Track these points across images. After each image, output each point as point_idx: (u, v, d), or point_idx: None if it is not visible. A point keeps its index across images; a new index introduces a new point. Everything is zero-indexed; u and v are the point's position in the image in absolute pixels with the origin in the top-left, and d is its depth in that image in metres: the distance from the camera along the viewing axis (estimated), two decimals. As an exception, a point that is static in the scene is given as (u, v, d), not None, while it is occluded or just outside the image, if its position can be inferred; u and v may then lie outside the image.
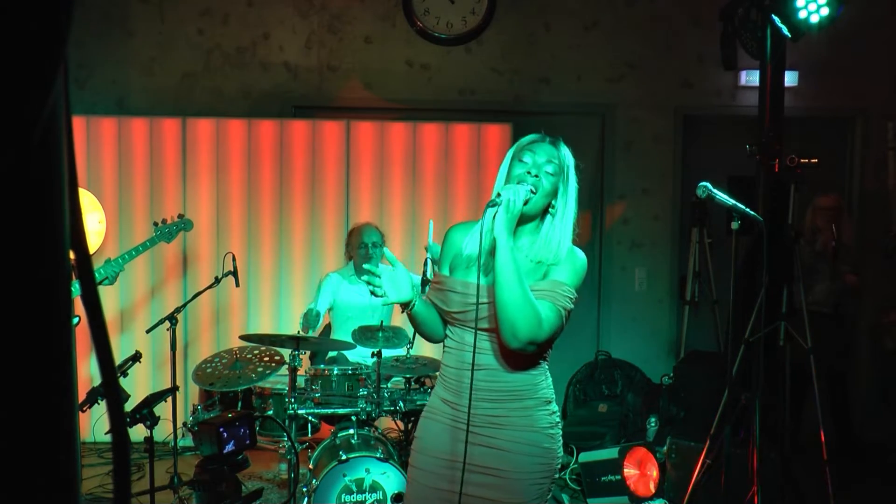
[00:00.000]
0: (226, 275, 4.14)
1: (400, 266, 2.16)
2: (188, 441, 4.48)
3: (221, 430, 3.27)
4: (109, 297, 5.01)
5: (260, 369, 3.85)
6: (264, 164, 5.18)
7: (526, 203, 2.02)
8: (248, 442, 3.38)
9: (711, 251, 5.46)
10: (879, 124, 5.71)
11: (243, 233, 5.20)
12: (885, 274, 5.52)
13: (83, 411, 3.49)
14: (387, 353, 3.92)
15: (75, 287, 0.59)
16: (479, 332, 2.03)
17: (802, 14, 4.31)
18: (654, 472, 4.18)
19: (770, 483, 3.76)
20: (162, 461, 4.45)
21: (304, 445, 4.14)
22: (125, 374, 3.75)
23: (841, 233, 4.88)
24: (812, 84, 5.65)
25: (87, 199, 4.85)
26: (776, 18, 4.37)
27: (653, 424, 4.58)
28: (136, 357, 3.67)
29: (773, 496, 3.81)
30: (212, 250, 5.15)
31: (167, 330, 3.97)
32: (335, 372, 3.82)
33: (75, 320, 0.79)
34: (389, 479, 3.40)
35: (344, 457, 3.37)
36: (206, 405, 3.83)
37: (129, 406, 3.81)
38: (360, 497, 3.39)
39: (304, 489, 3.47)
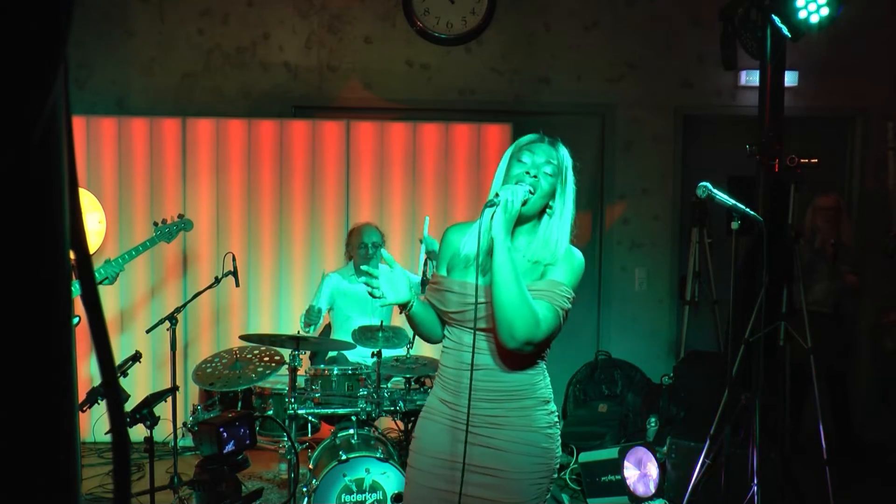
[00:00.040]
0: (226, 275, 4.14)
1: (397, 267, 2.16)
2: (188, 441, 4.48)
3: (221, 430, 3.27)
4: (109, 297, 5.01)
5: (260, 369, 3.85)
6: (264, 164, 5.18)
7: (524, 204, 2.02)
8: (248, 442, 3.38)
9: (711, 251, 5.46)
10: (879, 124, 5.71)
11: (243, 233, 5.20)
12: (885, 274, 5.52)
13: (83, 411, 3.49)
14: (387, 353, 3.92)
15: (75, 287, 0.59)
16: (477, 332, 2.03)
17: (802, 14, 4.31)
18: (654, 472, 4.18)
19: (770, 483, 3.76)
20: (162, 461, 4.45)
21: (304, 445, 4.14)
22: (125, 374, 3.75)
23: (841, 233, 4.88)
24: (812, 84, 5.65)
25: (87, 199, 4.85)
26: (776, 18, 4.37)
27: (653, 424, 4.58)
28: (136, 357, 3.67)
29: (773, 496, 3.81)
30: (212, 250, 5.15)
31: (167, 330, 3.97)
32: (335, 372, 3.82)
33: (75, 320, 0.79)
34: (389, 479, 3.40)
35: (344, 457, 3.37)
36: (206, 405, 3.83)
37: (129, 406, 3.81)
38: (360, 497, 3.39)
39: (304, 489, 3.47)
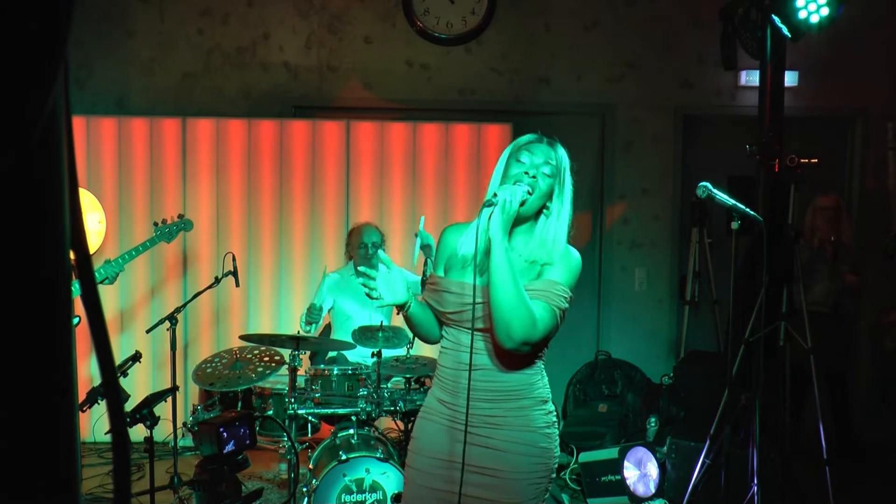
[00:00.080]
0: (226, 275, 4.14)
1: (394, 268, 2.16)
2: (188, 441, 4.47)
3: (221, 430, 3.27)
4: (109, 297, 5.01)
5: (260, 369, 3.85)
6: (264, 164, 5.18)
7: (522, 204, 2.02)
8: (248, 442, 3.38)
9: (711, 251, 5.45)
10: (879, 124, 5.71)
11: (243, 233, 5.20)
12: (885, 274, 5.52)
13: (83, 411, 3.49)
14: (387, 353, 3.92)
15: (75, 287, 0.59)
16: (474, 332, 2.03)
17: (802, 14, 4.31)
18: (654, 472, 4.18)
19: (770, 483, 3.76)
20: (162, 461, 4.45)
21: (304, 445, 4.14)
22: (125, 374, 3.75)
23: (841, 233, 4.88)
24: (812, 84, 5.65)
25: (87, 199, 4.85)
26: (776, 18, 4.37)
27: (653, 424, 4.58)
28: (136, 357, 3.67)
29: (773, 496, 3.81)
30: (212, 250, 5.15)
31: (167, 330, 3.97)
32: (335, 372, 3.82)
33: (75, 320, 0.79)
34: (389, 479, 3.40)
35: (344, 457, 3.37)
36: (206, 405, 3.83)
37: (129, 406, 3.81)
38: (360, 497, 3.39)
39: (304, 489, 3.47)
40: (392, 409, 3.70)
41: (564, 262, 2.07)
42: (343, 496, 3.38)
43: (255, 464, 4.06)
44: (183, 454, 4.68)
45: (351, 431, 3.61)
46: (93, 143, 5.09)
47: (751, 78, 5.46)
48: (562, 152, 2.13)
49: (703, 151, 5.78)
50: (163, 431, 4.63)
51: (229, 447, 3.29)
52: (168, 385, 3.93)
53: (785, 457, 4.05)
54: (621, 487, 4.08)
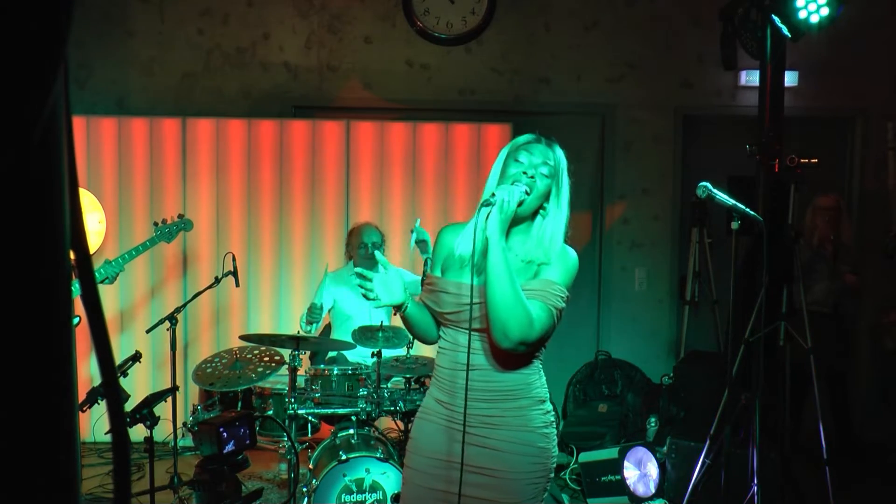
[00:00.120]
0: (226, 275, 4.14)
1: (391, 268, 2.16)
2: (188, 441, 4.47)
3: (221, 430, 3.27)
4: (109, 297, 5.01)
5: (260, 369, 3.85)
6: (264, 164, 5.18)
7: (520, 204, 2.02)
8: (248, 442, 3.38)
9: (711, 251, 5.46)
10: (879, 124, 5.71)
11: (243, 233, 5.20)
12: (885, 274, 5.52)
13: (83, 411, 3.49)
14: (387, 353, 3.92)
15: (75, 287, 0.59)
16: (472, 332, 2.02)
17: (802, 14, 4.32)
18: (654, 472, 4.18)
19: (770, 483, 3.76)
20: (162, 461, 4.45)
21: (304, 445, 4.14)
22: (125, 374, 3.75)
23: (841, 233, 4.88)
24: (812, 84, 5.65)
25: (87, 199, 4.85)
26: (776, 18, 4.37)
27: (653, 424, 4.58)
28: (136, 357, 3.67)
29: (773, 496, 3.81)
30: (212, 250, 5.15)
31: (167, 330, 3.97)
32: (335, 372, 3.82)
33: (75, 320, 0.79)
34: (389, 479, 3.40)
35: (344, 457, 3.37)
36: (206, 405, 3.83)
37: (129, 406, 3.81)
38: (360, 497, 3.39)
39: (304, 489, 3.47)
40: (392, 409, 3.70)
41: (561, 262, 2.07)
42: (343, 496, 3.38)
43: (255, 464, 4.06)
44: (183, 454, 4.68)
45: (351, 431, 3.61)
46: (93, 143, 5.09)
47: (751, 78, 5.46)
48: (559, 153, 2.13)
49: (703, 151, 5.78)
50: (163, 431, 4.63)
51: (229, 447, 3.29)
52: (168, 385, 3.93)
53: (785, 457, 4.05)
54: (621, 487, 4.08)
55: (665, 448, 4.25)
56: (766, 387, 3.80)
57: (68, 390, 0.58)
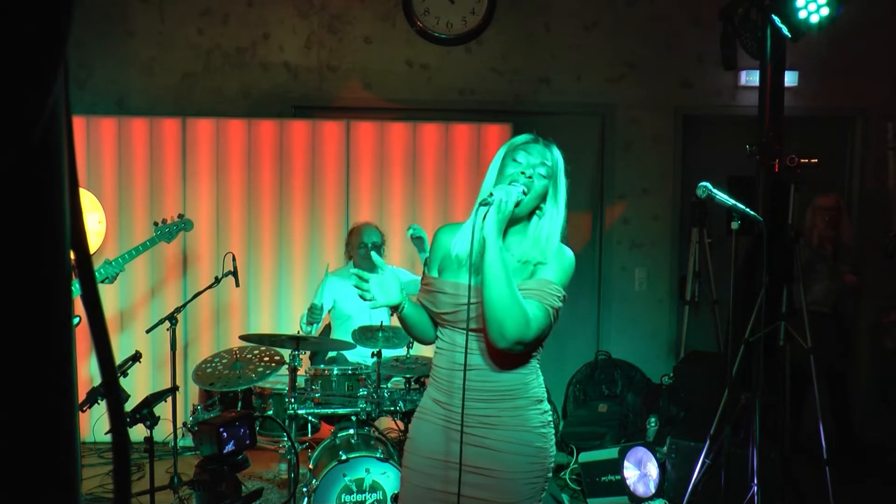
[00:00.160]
0: (226, 275, 4.14)
1: (387, 268, 2.16)
2: (188, 441, 4.47)
3: (221, 430, 3.27)
4: (109, 297, 5.01)
5: (260, 369, 3.85)
6: (264, 164, 5.18)
7: (517, 205, 2.02)
8: (248, 442, 3.38)
9: (711, 251, 5.45)
10: (879, 124, 5.71)
11: (243, 233, 5.20)
12: (885, 274, 5.52)
13: (83, 411, 3.49)
14: (387, 353, 3.92)
15: (75, 287, 0.59)
16: (469, 332, 2.02)
17: (802, 14, 4.31)
18: (654, 472, 4.18)
19: (770, 483, 3.76)
20: (162, 461, 4.45)
21: (304, 445, 4.14)
22: (125, 374, 3.75)
23: (841, 233, 4.88)
24: (812, 84, 5.65)
25: (87, 199, 4.85)
26: (776, 18, 4.37)
27: (653, 424, 4.58)
28: (136, 357, 3.67)
29: (773, 496, 3.81)
30: (212, 250, 5.15)
31: (167, 330, 3.97)
32: (335, 372, 3.82)
33: (75, 320, 0.79)
34: (389, 479, 3.40)
35: (344, 457, 3.37)
36: (206, 405, 3.83)
37: (129, 406, 3.81)
38: (360, 497, 3.39)
39: (304, 489, 3.47)
40: (392, 409, 3.70)
41: (558, 262, 2.07)
42: (343, 496, 3.38)
43: (255, 464, 4.06)
44: (183, 454, 4.68)
45: (351, 431, 3.61)
46: (93, 143, 5.09)
47: (751, 78, 5.46)
48: (557, 153, 2.13)
49: (703, 151, 5.78)
50: (163, 431, 4.63)
51: (229, 447, 3.29)
52: (168, 385, 3.92)
53: (785, 457, 4.05)
54: (621, 487, 4.08)
55: (665, 448, 4.25)
56: (766, 387, 3.80)
57: (68, 390, 0.58)
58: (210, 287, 4.26)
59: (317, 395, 3.73)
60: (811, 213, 4.93)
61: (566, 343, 5.40)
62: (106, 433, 4.28)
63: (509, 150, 2.12)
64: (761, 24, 4.52)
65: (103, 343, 0.58)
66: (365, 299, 2.10)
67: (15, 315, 0.53)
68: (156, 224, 3.92)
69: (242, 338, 3.98)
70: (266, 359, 3.92)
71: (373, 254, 2.25)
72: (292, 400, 3.60)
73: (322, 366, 4.09)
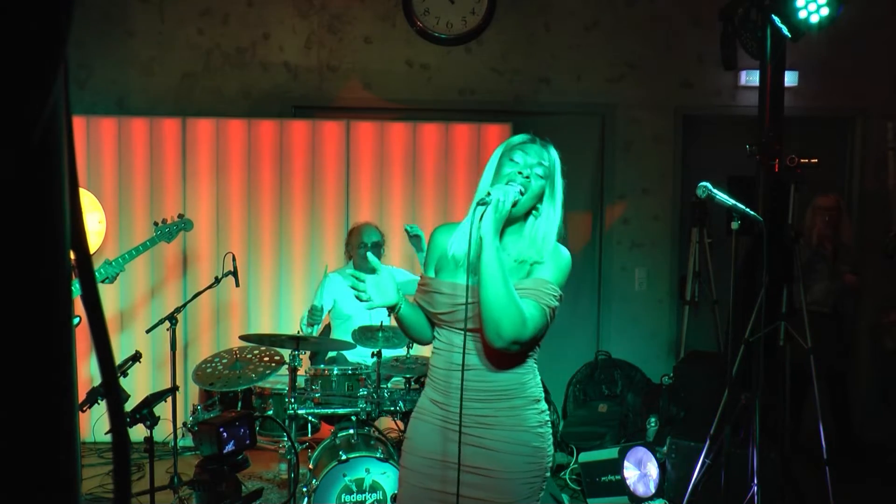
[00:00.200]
0: (226, 275, 4.14)
1: (384, 269, 2.16)
2: (188, 441, 4.47)
3: (221, 430, 3.27)
4: (109, 297, 5.01)
5: (260, 369, 3.85)
6: (264, 164, 5.18)
7: (514, 205, 2.02)
8: (248, 442, 3.38)
9: (711, 251, 5.46)
10: (879, 124, 5.71)
11: (243, 233, 5.20)
12: (885, 274, 5.52)
13: (83, 411, 3.49)
14: (387, 353, 3.92)
15: (75, 287, 0.59)
16: (466, 332, 2.02)
17: (802, 14, 4.31)
18: (654, 472, 4.18)
19: (770, 483, 3.76)
20: (162, 461, 4.45)
21: (304, 445, 4.14)
22: (125, 374, 3.75)
23: (841, 233, 4.88)
24: (812, 84, 5.65)
25: (87, 199, 4.85)
26: (776, 18, 4.37)
27: (653, 424, 4.58)
28: (136, 357, 3.67)
29: (773, 496, 3.81)
30: (212, 250, 5.15)
31: (167, 330, 3.97)
32: (335, 372, 3.82)
33: (75, 320, 0.79)
34: (389, 479, 3.40)
35: (344, 457, 3.37)
36: (206, 405, 3.83)
37: (129, 406, 3.81)
38: (360, 497, 3.39)
39: (304, 489, 3.47)
40: (392, 408, 3.70)
41: (554, 261, 2.07)
42: (343, 496, 3.38)
43: (255, 464, 4.06)
44: (183, 454, 4.68)
45: (351, 431, 3.61)
46: (93, 143, 5.09)
47: (751, 78, 5.46)
48: (554, 154, 2.13)
49: (703, 151, 5.78)
50: (163, 431, 4.63)
51: (229, 447, 3.29)
52: (168, 385, 3.92)
53: (785, 457, 4.05)
54: (621, 487, 4.08)
55: (665, 448, 4.25)
56: (766, 387, 3.80)
57: (68, 390, 0.58)
58: (210, 287, 4.26)
59: (317, 395, 3.73)
60: (811, 213, 4.93)
61: (566, 343, 5.40)
62: (106, 433, 4.28)
63: (506, 150, 2.12)
64: (761, 24, 4.52)
65: (103, 343, 0.58)
66: (361, 300, 2.10)
67: (15, 315, 0.53)
68: (156, 224, 3.92)
69: (242, 338, 3.98)
70: (266, 359, 3.92)
71: (368, 254, 2.25)
72: (292, 400, 3.60)
73: (322, 366, 4.09)
